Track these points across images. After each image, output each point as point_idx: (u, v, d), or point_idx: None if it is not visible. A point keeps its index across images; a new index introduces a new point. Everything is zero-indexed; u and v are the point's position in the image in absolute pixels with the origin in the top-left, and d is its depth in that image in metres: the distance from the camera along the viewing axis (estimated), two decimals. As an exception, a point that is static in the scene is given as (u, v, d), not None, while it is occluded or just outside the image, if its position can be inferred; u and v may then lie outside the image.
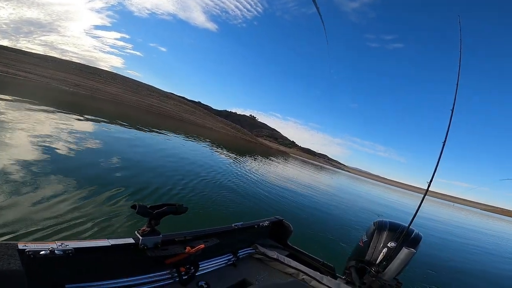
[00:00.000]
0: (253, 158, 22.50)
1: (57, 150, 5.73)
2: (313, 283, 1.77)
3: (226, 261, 1.77)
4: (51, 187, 3.84)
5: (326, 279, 1.80)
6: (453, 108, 1.99)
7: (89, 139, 7.85)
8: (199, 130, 36.52)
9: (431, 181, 1.89)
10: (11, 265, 0.77)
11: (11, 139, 5.51)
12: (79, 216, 3.28)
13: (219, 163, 11.50)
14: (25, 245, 0.91)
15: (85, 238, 1.21)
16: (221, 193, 6.57)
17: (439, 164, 1.95)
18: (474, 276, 6.69)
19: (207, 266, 1.61)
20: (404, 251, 1.50)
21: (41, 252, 0.92)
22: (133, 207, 1.21)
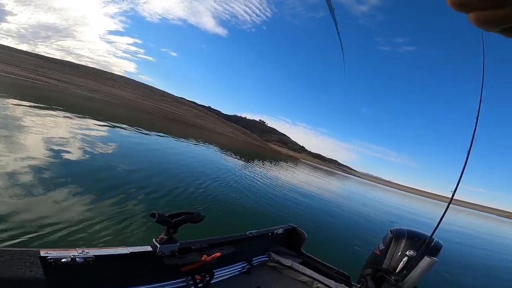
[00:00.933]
0: (263, 164, 22.12)
1: (77, 156, 5.90)
2: None
3: (240, 269, 1.76)
4: (71, 194, 3.87)
5: None
6: (477, 116, 1.91)
7: (105, 145, 8.00)
8: (210, 135, 36.87)
9: (455, 189, 1.84)
10: (33, 272, 0.78)
11: (31, 143, 5.73)
12: (98, 222, 3.32)
13: (231, 169, 11.50)
14: (47, 253, 0.92)
15: (104, 246, 1.24)
16: (234, 200, 6.59)
17: (464, 173, 1.89)
18: (493, 284, 6.59)
19: (222, 274, 1.61)
20: (426, 260, 1.48)
21: (63, 260, 0.93)
22: (152, 215, 1.20)
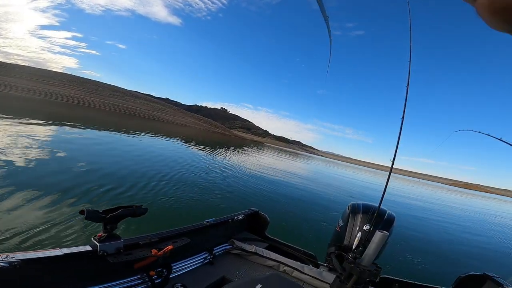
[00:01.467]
0: (227, 151, 22.12)
1: (10, 160, 5.36)
2: (295, 273, 1.74)
3: (202, 260, 1.70)
4: (8, 199, 3.59)
5: (307, 269, 1.77)
6: (407, 84, 1.88)
7: (45, 146, 7.34)
8: (170, 128, 35.53)
9: (394, 157, 1.81)
10: None
11: None
12: (29, 226, 3.07)
13: (191, 160, 11.11)
14: None
15: (34, 249, 1.21)
16: (192, 191, 6.39)
17: (400, 140, 1.84)
18: (451, 252, 6.59)
19: (182, 267, 1.55)
20: (378, 235, 1.44)
21: None
22: (81, 212, 1.09)
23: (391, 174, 1.77)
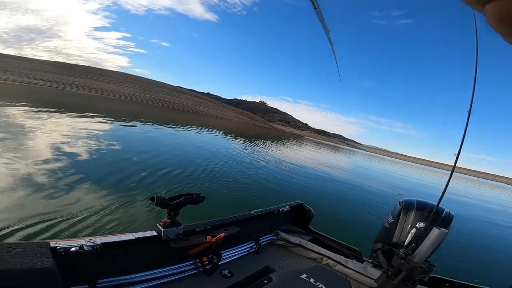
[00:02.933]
0: (268, 144, 21.90)
1: (77, 151, 5.89)
2: (338, 267, 1.71)
3: (248, 249, 1.74)
4: (78, 188, 3.94)
5: (351, 263, 1.73)
6: (475, 75, 1.84)
7: (108, 139, 7.96)
8: (213, 121, 36.70)
9: (458, 154, 1.72)
10: (45, 262, 0.80)
11: (36, 144, 5.71)
12: (102, 211, 3.38)
13: (235, 152, 11.38)
14: (56, 243, 0.94)
15: (110, 233, 1.29)
16: (239, 181, 6.58)
17: (465, 136, 1.78)
18: (510, 258, 6.15)
19: (230, 254, 1.60)
20: (435, 232, 1.39)
21: (72, 249, 0.96)
22: (152, 199, 1.20)
23: (453, 171, 1.72)
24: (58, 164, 4.73)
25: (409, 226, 1.90)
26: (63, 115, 11.25)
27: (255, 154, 12.26)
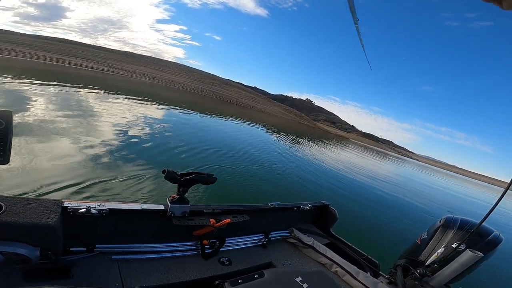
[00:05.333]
0: (310, 142, 21.93)
1: (132, 129, 6.76)
2: (346, 277, 1.61)
3: (256, 241, 1.69)
4: (121, 157, 4.57)
5: (362, 275, 1.62)
6: None
7: (162, 124, 8.83)
8: (258, 115, 37.49)
9: None
10: (49, 219, 0.87)
11: (101, 122, 6.76)
12: (119, 179, 3.73)
13: (275, 147, 11.54)
14: (69, 203, 1.00)
15: (121, 200, 1.46)
16: (267, 173, 6.60)
17: None
18: None
19: (235, 243, 1.57)
20: (467, 254, 1.25)
21: (80, 210, 1.00)
22: (163, 172, 1.21)
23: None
24: (114, 141, 5.58)
25: (441, 244, 1.69)
26: (130, 100, 13.23)
27: (293, 150, 12.29)
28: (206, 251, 1.39)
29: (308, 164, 10.18)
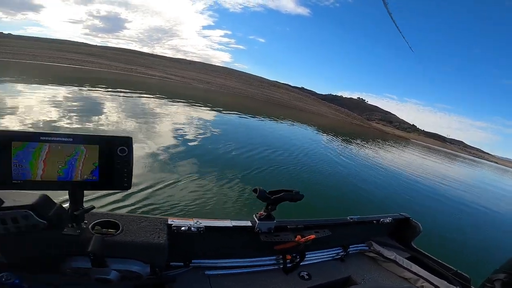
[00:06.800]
0: (367, 144, 20.70)
1: (194, 137, 7.06)
2: None
3: (334, 255, 1.68)
4: (189, 170, 4.74)
5: None
6: None
7: (220, 128, 9.22)
8: (308, 116, 36.77)
9: None
10: (160, 238, 0.97)
11: (164, 127, 7.25)
12: (209, 196, 3.93)
13: (331, 151, 11.26)
14: (172, 221, 1.09)
15: (212, 218, 1.37)
16: (335, 183, 6.41)
17: None
18: None
19: (314, 257, 1.57)
20: None
21: (182, 228, 1.09)
22: (254, 191, 1.25)
23: None
24: (178, 147, 6.06)
25: None
26: (192, 106, 14.14)
27: (354, 156, 11.78)
28: (287, 265, 1.42)
29: (375, 171, 9.59)
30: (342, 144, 15.28)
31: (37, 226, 0.77)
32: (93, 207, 0.90)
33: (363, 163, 10.46)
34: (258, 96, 49.24)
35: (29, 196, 0.77)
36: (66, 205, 0.85)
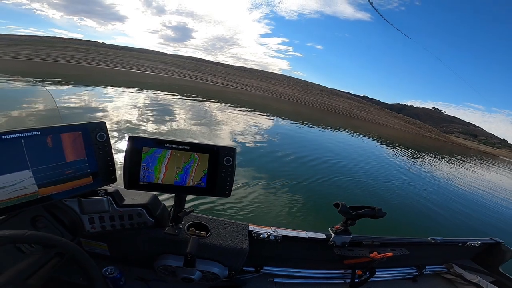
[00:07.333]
0: (447, 161, 18.10)
1: (271, 147, 7.20)
2: None
3: (406, 274, 1.59)
4: (259, 176, 4.65)
5: None
6: None
7: (286, 138, 9.22)
8: (373, 127, 34.02)
9: None
10: (243, 243, 1.01)
11: (222, 133, 7.57)
12: (284, 205, 3.85)
13: (401, 164, 10.47)
14: (253, 228, 1.15)
15: (288, 227, 1.31)
16: (416, 202, 5.95)
17: None
18: None
19: (384, 274, 1.50)
20: None
21: (261, 235, 1.13)
22: (336, 205, 1.22)
23: None
24: (251, 152, 6.31)
25: None
26: (253, 112, 14.32)
27: (434, 172, 10.86)
28: (355, 280, 1.37)
29: (460, 190, 8.71)
30: (413, 159, 13.82)
31: (146, 223, 0.88)
32: (193, 210, 0.94)
33: (438, 180, 9.42)
34: (319, 105, 47.81)
35: (143, 195, 0.89)
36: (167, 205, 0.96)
